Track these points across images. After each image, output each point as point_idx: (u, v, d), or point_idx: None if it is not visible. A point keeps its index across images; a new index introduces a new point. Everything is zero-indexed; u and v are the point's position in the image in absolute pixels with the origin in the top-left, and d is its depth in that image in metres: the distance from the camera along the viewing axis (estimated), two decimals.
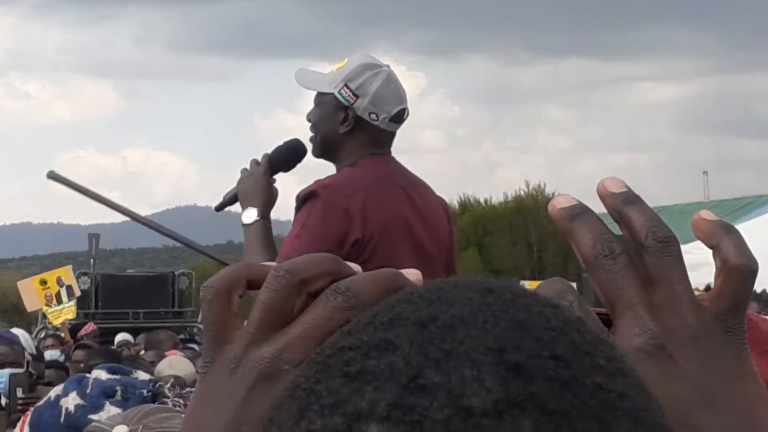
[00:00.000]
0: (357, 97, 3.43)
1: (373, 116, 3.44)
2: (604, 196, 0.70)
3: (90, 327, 12.78)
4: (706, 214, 0.71)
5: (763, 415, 0.66)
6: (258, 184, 3.54)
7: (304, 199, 3.35)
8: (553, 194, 27.68)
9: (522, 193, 33.56)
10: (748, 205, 25.71)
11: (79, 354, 8.86)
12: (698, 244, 0.74)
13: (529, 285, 0.73)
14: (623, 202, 0.69)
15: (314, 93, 3.52)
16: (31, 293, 13.16)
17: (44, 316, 14.11)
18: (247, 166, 3.60)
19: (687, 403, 0.64)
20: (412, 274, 0.68)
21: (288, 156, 3.63)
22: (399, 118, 3.50)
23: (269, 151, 3.64)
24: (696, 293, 0.69)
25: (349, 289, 0.65)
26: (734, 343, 0.67)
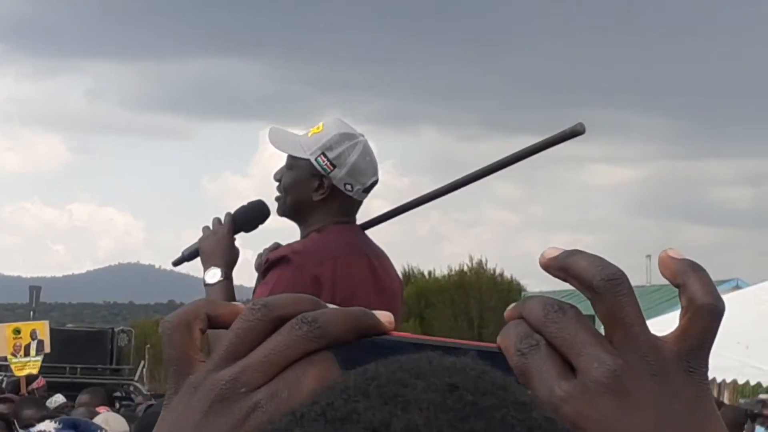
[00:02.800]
0: (334, 167, 3.42)
1: (348, 187, 3.45)
2: (545, 264, 0.71)
3: (41, 381, 12.54)
4: (673, 252, 0.71)
5: None
6: (221, 243, 3.51)
7: (274, 263, 3.34)
8: (495, 270, 28.89)
9: (465, 267, 33.72)
10: None
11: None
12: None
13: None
14: (564, 258, 0.69)
15: (284, 154, 3.50)
16: (0, 339, 13.11)
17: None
18: (209, 225, 3.57)
19: None
20: (384, 316, 0.67)
21: (252, 216, 3.61)
22: (371, 188, 3.51)
23: (231, 211, 3.62)
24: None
25: (316, 321, 0.65)
26: (696, 383, 0.66)
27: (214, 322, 0.69)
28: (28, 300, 20.25)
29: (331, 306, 0.68)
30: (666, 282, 0.70)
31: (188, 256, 3.63)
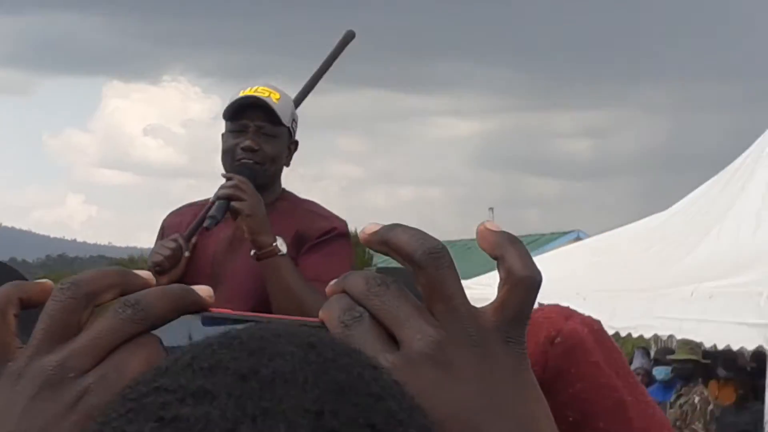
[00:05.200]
0: (295, 131, 3.44)
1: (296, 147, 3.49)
2: (366, 240, 0.70)
3: None
4: (491, 225, 0.71)
5: (544, 423, 0.67)
6: (264, 210, 3.25)
7: (341, 235, 3.38)
8: None
9: None
10: (532, 243, 26.08)
11: None
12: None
13: None
14: (385, 231, 0.69)
15: (252, 122, 3.31)
16: None
17: None
18: (243, 185, 3.23)
19: (469, 407, 0.64)
20: (203, 291, 0.67)
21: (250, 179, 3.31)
22: None
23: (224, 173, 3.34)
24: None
25: (139, 302, 0.64)
26: (515, 353, 0.67)
27: (27, 304, 0.68)
28: None
29: (142, 273, 0.68)
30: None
31: (222, 217, 3.22)
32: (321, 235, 3.32)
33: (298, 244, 3.31)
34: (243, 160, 3.31)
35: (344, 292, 0.68)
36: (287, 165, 3.44)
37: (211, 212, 3.23)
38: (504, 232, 0.70)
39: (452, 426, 0.63)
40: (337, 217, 3.43)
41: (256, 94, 3.34)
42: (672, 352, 10.48)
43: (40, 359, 0.64)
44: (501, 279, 0.68)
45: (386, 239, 0.69)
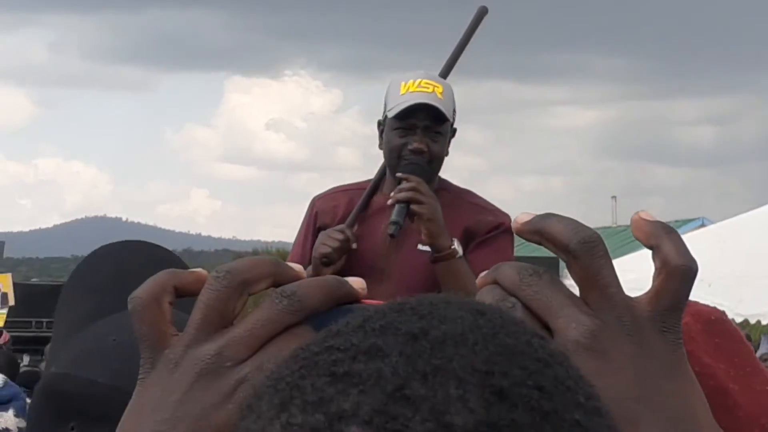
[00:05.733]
0: (454, 120, 3.38)
1: None
2: (518, 230, 0.71)
3: (5, 336, 11.86)
4: (645, 215, 0.71)
5: (701, 412, 0.66)
6: (441, 212, 3.23)
7: (506, 230, 3.31)
8: None
9: None
10: None
11: None
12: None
13: None
14: (538, 221, 0.69)
15: (420, 121, 3.27)
16: None
17: None
18: (422, 188, 3.22)
19: (625, 397, 0.64)
20: (357, 283, 0.68)
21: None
22: None
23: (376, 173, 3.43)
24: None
25: (295, 294, 0.65)
26: (670, 342, 0.67)
27: (182, 293, 0.69)
28: None
29: (294, 266, 0.69)
30: None
31: (403, 223, 3.21)
32: (489, 231, 3.31)
33: (465, 239, 3.29)
34: (413, 160, 3.27)
35: (496, 282, 0.68)
36: (447, 154, 3.38)
37: (393, 217, 3.21)
38: (659, 221, 0.70)
39: None
40: (501, 212, 3.39)
41: (420, 90, 3.28)
42: None
43: (197, 348, 0.65)
44: (656, 268, 0.68)
45: (540, 228, 0.69)
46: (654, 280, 0.68)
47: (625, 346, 0.65)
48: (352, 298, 0.68)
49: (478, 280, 0.70)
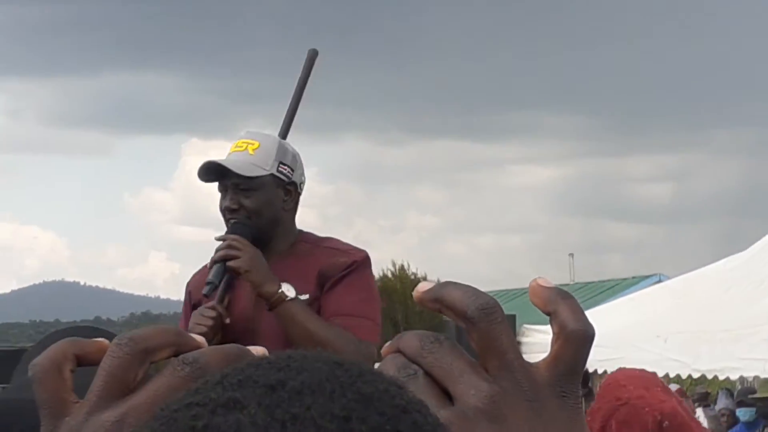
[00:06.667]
0: (293, 171, 3.42)
1: (302, 186, 3.50)
2: (419, 298, 0.71)
3: None
4: (543, 281, 0.71)
5: None
6: (262, 260, 3.32)
7: (361, 264, 3.39)
8: (415, 274, 28.19)
9: (389, 272, 30.90)
10: (612, 288, 25.45)
11: None
12: None
13: None
14: (437, 289, 0.69)
15: (225, 182, 3.37)
16: None
17: None
18: (236, 243, 3.31)
19: None
20: (258, 351, 0.68)
21: (244, 235, 3.38)
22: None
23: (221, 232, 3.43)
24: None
25: (197, 361, 0.64)
26: (569, 407, 0.67)
27: (83, 361, 0.68)
28: None
29: (197, 338, 0.69)
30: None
31: (219, 282, 3.33)
32: (341, 270, 3.33)
33: (321, 283, 3.33)
34: (231, 220, 3.37)
35: (399, 351, 0.68)
36: (288, 208, 3.44)
37: (209, 277, 3.30)
38: (556, 287, 0.70)
39: None
40: (356, 250, 3.43)
41: (235, 150, 3.40)
42: (754, 391, 10.42)
43: (98, 415, 0.64)
44: (554, 334, 0.69)
45: (439, 296, 0.69)
46: (552, 346, 0.69)
47: (524, 411, 0.66)
48: None
49: (383, 349, 0.70)
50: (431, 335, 0.68)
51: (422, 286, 0.71)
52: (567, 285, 27.35)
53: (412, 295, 0.71)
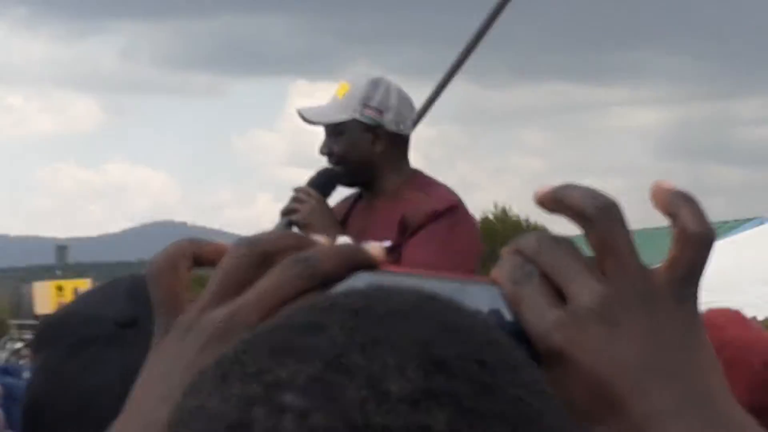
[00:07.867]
0: (381, 113, 3.40)
1: (401, 126, 3.45)
2: (539, 200, 0.69)
3: None
4: (665, 183, 0.68)
5: (716, 384, 0.64)
6: (329, 213, 3.43)
7: (443, 213, 3.36)
8: (518, 216, 27.39)
9: (490, 215, 30.39)
10: (716, 230, 22.91)
11: None
12: None
13: None
14: (557, 190, 0.68)
15: (322, 126, 3.44)
16: (44, 296, 13.10)
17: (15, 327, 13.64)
18: (300, 195, 3.40)
19: (636, 367, 0.63)
20: (375, 248, 0.66)
21: (325, 186, 3.47)
22: (417, 120, 3.57)
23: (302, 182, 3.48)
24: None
25: (309, 259, 0.64)
26: (687, 312, 0.66)
27: (200, 261, 0.68)
28: (55, 260, 20.05)
29: (318, 240, 0.67)
30: None
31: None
32: (422, 219, 3.33)
33: (402, 230, 3.33)
34: (321, 170, 3.46)
35: (516, 251, 0.67)
36: (378, 151, 3.43)
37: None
38: (678, 189, 0.68)
39: (617, 385, 0.62)
40: (443, 198, 3.41)
41: (334, 94, 3.43)
42: None
43: (210, 312, 0.64)
44: (674, 237, 0.66)
45: (559, 197, 0.68)
46: (671, 249, 0.66)
47: (639, 314, 0.64)
48: (369, 265, 0.66)
49: (502, 250, 0.69)
50: (549, 236, 0.67)
51: (542, 189, 0.69)
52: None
53: (513, 237, 0.70)
